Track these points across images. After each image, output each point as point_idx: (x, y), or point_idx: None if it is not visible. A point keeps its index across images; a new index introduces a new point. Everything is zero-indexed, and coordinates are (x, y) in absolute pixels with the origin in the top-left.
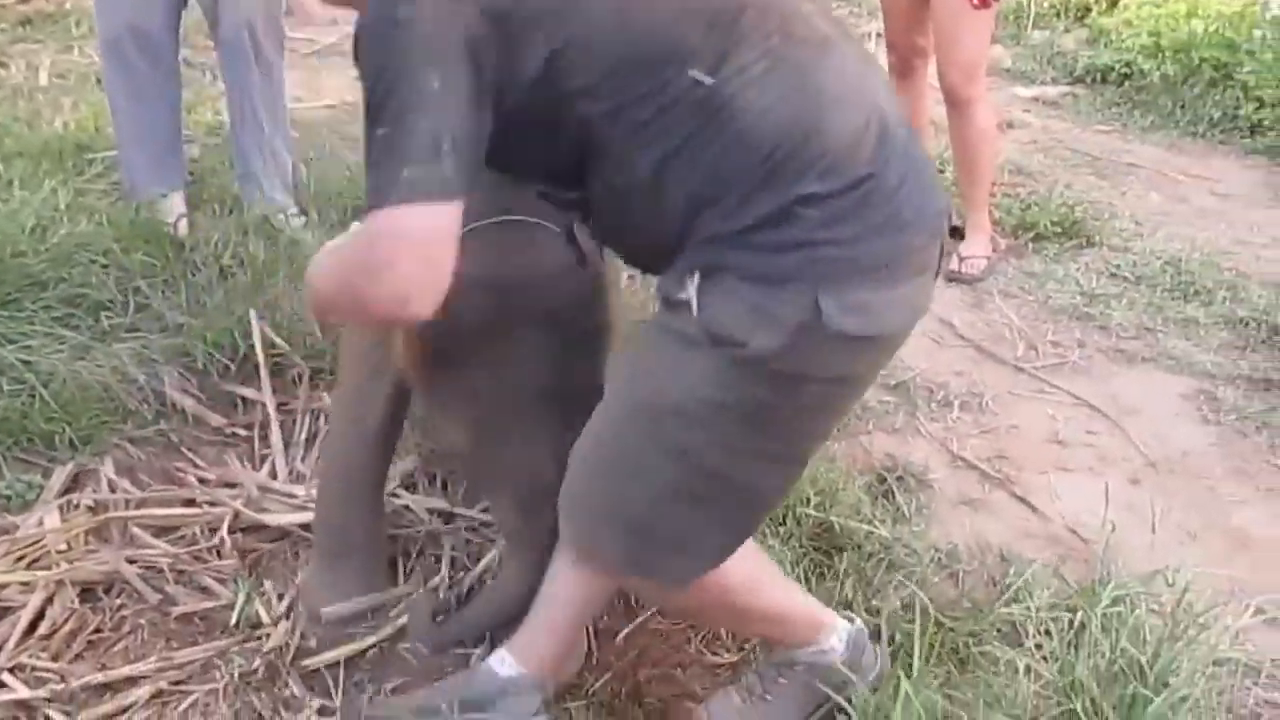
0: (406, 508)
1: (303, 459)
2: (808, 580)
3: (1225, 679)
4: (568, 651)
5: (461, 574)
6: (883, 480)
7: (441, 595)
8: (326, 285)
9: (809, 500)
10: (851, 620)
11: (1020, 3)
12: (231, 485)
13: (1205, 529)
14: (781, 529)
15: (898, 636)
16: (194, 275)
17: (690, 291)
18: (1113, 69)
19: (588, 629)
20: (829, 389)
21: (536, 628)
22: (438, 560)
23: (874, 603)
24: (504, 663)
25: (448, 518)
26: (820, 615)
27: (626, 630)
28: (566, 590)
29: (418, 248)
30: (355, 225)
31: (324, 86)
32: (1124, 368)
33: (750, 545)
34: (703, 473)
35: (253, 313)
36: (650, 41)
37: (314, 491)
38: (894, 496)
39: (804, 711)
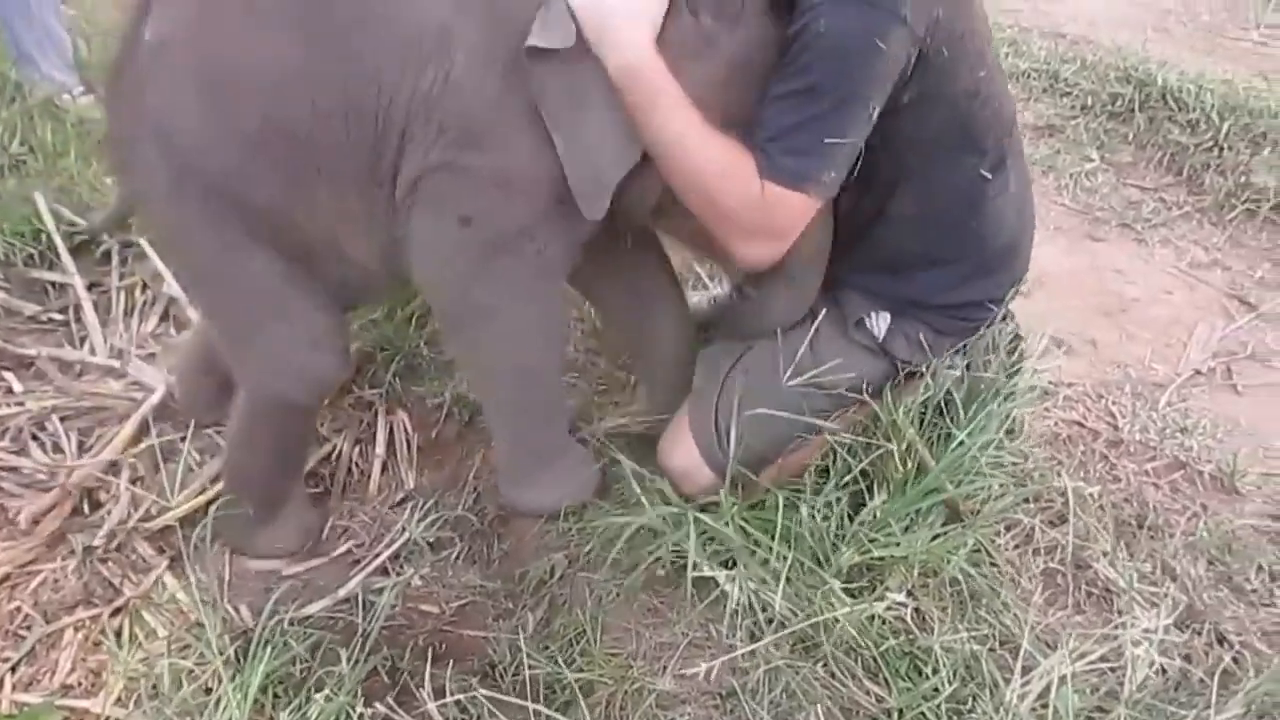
0: None
1: (124, 334)
2: None
3: (1026, 404)
4: None
5: None
6: None
7: None
8: (694, 181)
9: None
10: None
11: None
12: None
13: None
14: None
15: None
16: None
17: (877, 323)
18: None
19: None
20: None
21: None
22: None
23: None
24: None
25: None
26: None
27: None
28: None
29: (800, 229)
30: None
31: None
32: None
33: None
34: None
35: (38, 195)
36: (973, 128)
37: (136, 365)
38: None
39: None
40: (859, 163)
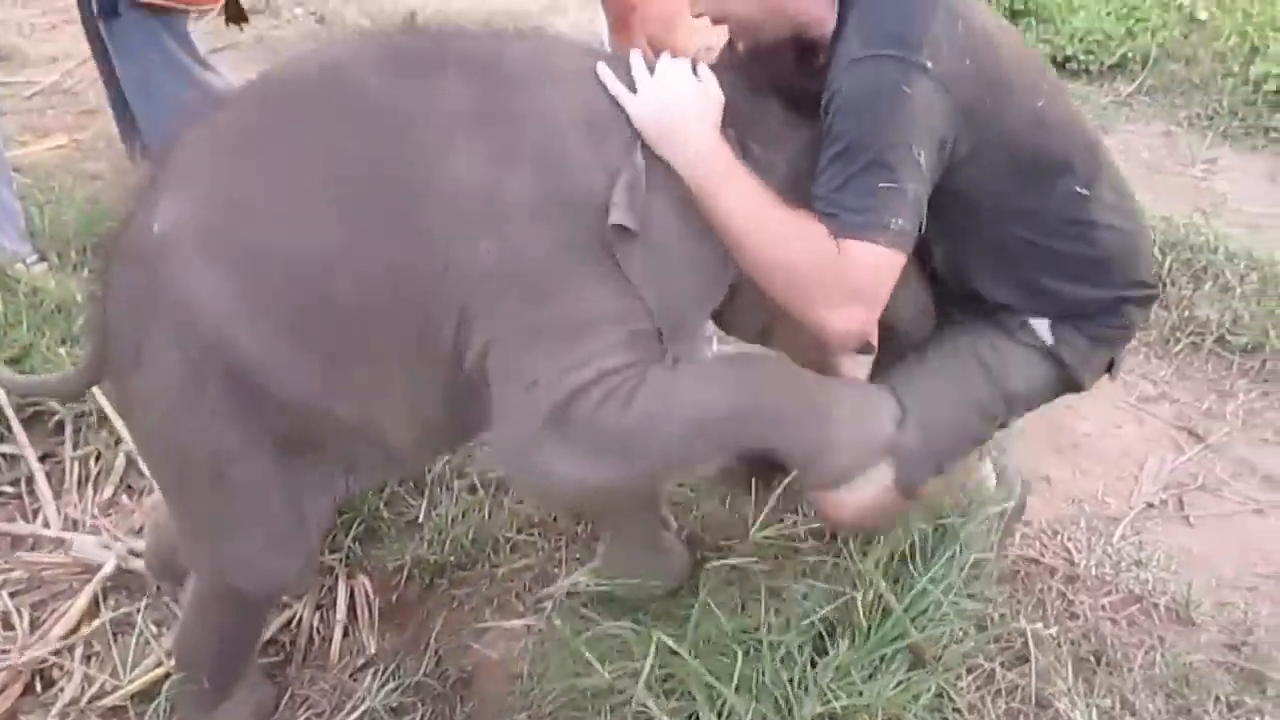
0: None
1: (79, 505)
2: None
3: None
4: None
5: None
6: None
7: None
8: (771, 253)
9: None
10: None
11: None
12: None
13: None
14: None
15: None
16: None
17: (1042, 329)
18: None
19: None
20: None
21: None
22: None
23: None
24: None
25: None
26: None
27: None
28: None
29: (886, 290)
30: None
31: (49, 126)
32: None
33: None
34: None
35: None
36: (1050, 151)
37: (80, 542)
38: None
39: None
40: (941, 219)
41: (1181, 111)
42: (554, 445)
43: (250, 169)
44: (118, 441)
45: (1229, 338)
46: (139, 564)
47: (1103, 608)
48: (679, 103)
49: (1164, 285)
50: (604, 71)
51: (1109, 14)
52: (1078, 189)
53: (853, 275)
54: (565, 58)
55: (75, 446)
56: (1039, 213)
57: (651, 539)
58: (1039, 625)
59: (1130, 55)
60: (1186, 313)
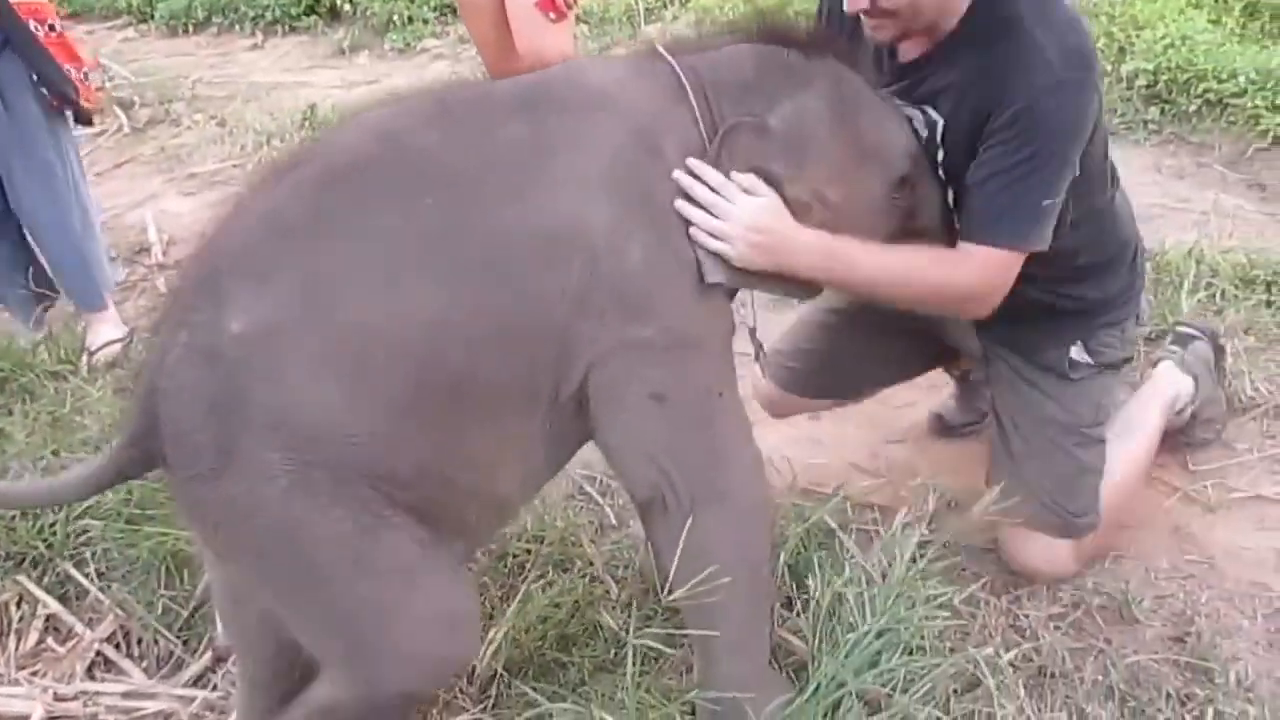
0: None
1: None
2: None
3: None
4: None
5: None
6: None
7: None
8: (919, 290)
9: None
10: None
11: (629, 3)
12: None
13: None
14: None
15: None
16: None
17: (1082, 355)
18: None
19: None
20: None
21: None
22: None
23: None
24: None
25: None
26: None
27: None
28: None
29: (1009, 284)
30: None
31: None
32: None
33: None
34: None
35: None
36: (1106, 164)
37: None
38: None
39: None
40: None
41: None
42: (720, 455)
43: (332, 252)
44: (40, 580)
45: None
46: (69, 708)
47: (1046, 619)
48: (760, 229)
49: None
50: (696, 234)
51: None
52: (1114, 192)
53: (1004, 277)
54: (604, 77)
55: None
56: (1103, 231)
57: None
58: (989, 651)
59: None
60: None
